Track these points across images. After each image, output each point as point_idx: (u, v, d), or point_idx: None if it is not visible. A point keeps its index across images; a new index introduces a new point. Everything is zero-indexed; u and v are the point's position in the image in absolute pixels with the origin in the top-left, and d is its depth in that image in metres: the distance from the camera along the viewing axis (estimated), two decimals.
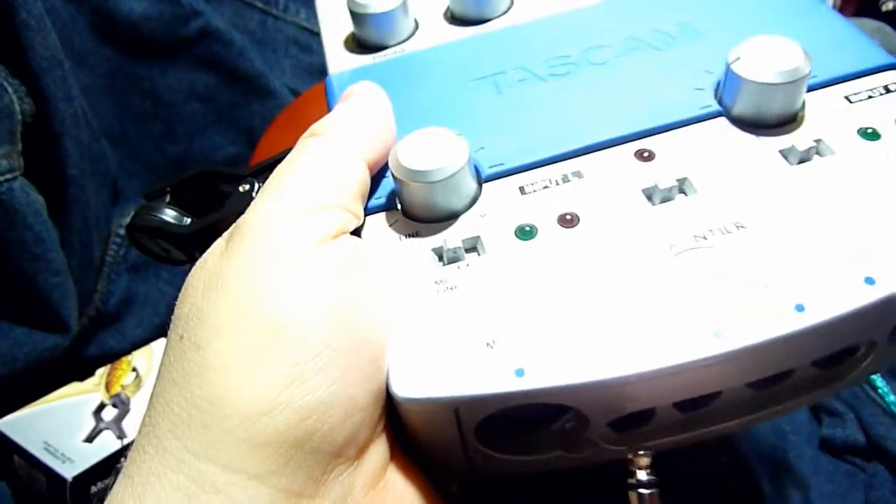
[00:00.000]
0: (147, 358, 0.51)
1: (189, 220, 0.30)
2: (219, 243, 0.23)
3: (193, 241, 0.29)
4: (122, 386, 0.48)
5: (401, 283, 0.23)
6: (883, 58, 0.27)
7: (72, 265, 0.49)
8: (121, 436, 0.45)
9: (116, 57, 0.57)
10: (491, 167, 0.26)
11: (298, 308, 0.21)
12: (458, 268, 0.23)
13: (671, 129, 0.26)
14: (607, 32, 0.30)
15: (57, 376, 0.49)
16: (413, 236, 0.24)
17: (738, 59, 0.25)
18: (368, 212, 0.25)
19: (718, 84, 0.27)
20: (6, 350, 0.47)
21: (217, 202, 0.30)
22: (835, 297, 0.20)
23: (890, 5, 0.55)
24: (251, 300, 0.21)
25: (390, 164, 0.24)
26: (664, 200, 0.24)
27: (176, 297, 0.58)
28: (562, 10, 0.32)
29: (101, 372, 0.49)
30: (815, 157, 0.24)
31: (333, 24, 0.34)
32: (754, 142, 0.25)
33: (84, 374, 0.49)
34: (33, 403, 0.47)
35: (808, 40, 0.26)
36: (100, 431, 0.46)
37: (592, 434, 0.23)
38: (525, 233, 0.24)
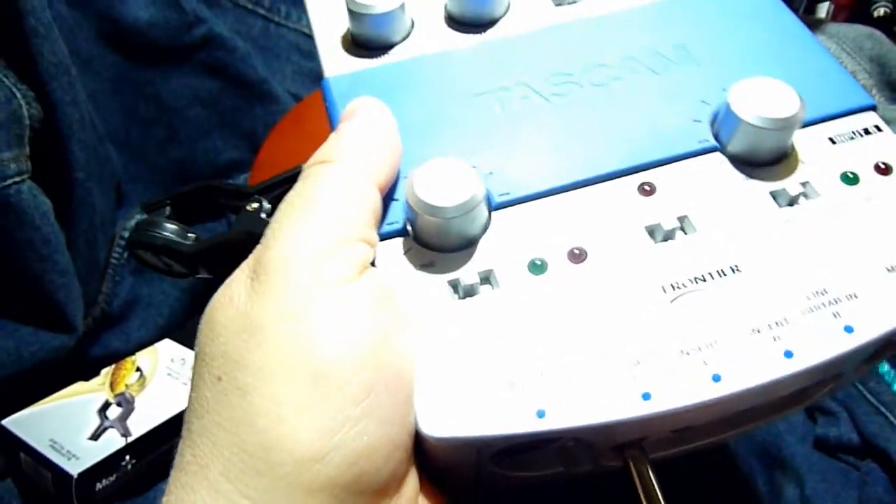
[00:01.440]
0: (151, 358, 0.52)
1: (192, 234, 0.29)
2: (241, 278, 0.23)
3: (199, 258, 0.29)
4: (127, 385, 0.49)
5: (419, 317, 0.24)
6: (864, 98, 0.28)
7: (78, 267, 0.50)
8: (125, 434, 0.46)
9: (122, 63, 0.58)
10: (500, 195, 0.27)
11: (339, 352, 0.21)
12: (475, 302, 0.24)
13: (671, 163, 0.27)
14: (606, 50, 0.30)
15: (62, 376, 0.49)
16: (428, 266, 0.25)
17: (737, 100, 0.26)
18: (380, 237, 0.26)
19: (714, 117, 0.28)
20: (13, 349, 0.48)
21: (217, 215, 0.30)
22: (819, 345, 0.23)
23: (881, 11, 0.56)
24: (293, 346, 0.21)
25: (407, 196, 0.25)
26: (666, 239, 0.25)
27: (178, 300, 0.58)
28: (560, 20, 0.32)
29: (106, 371, 0.50)
30: (802, 199, 0.26)
31: (326, 22, 0.33)
32: (748, 181, 0.27)
33: (89, 373, 0.50)
34: (40, 402, 0.48)
35: (796, 76, 0.27)
36: (105, 429, 0.46)
37: (593, 454, 0.25)
38: (536, 267, 0.25)
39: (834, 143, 0.27)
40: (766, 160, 0.27)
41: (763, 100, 0.26)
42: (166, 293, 0.57)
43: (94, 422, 0.47)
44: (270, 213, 0.26)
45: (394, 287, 0.24)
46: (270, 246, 0.23)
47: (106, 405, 0.48)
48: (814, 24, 0.57)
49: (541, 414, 0.22)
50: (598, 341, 0.23)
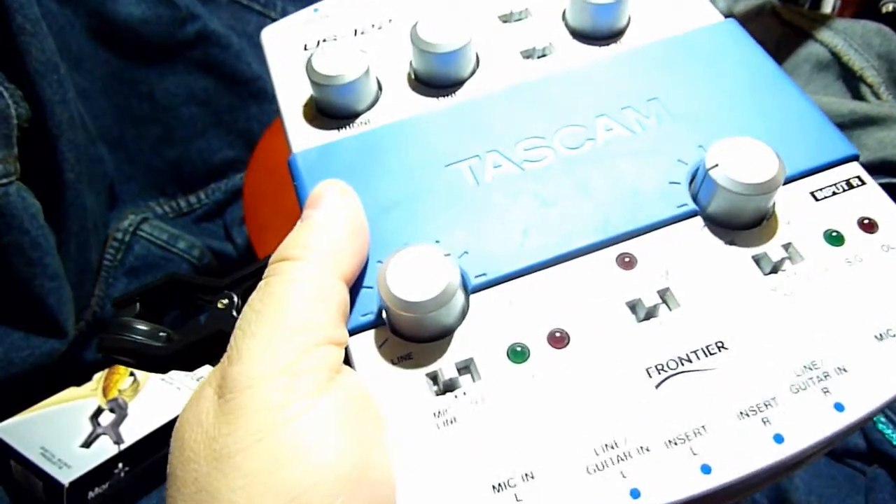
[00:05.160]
0: None
1: (163, 334, 0.29)
2: (208, 395, 0.22)
3: (171, 359, 0.29)
4: (120, 391, 0.48)
5: (399, 415, 0.23)
6: (846, 149, 0.27)
7: (69, 269, 0.49)
8: (118, 441, 0.45)
9: (114, 60, 0.57)
10: (477, 277, 0.25)
11: (314, 477, 0.20)
12: (456, 396, 0.23)
13: (650, 231, 0.26)
14: (578, 108, 0.29)
15: (54, 381, 0.49)
16: (405, 359, 0.24)
17: (716, 165, 0.25)
18: (353, 331, 0.24)
19: (692, 177, 0.27)
20: (3, 355, 0.47)
21: (188, 309, 0.29)
22: (810, 427, 0.22)
23: (890, 7, 0.55)
24: (264, 473, 0.20)
25: (380, 290, 0.23)
26: (648, 316, 0.24)
27: None
28: (529, 76, 0.30)
29: (99, 377, 0.49)
30: (787, 263, 0.25)
31: (291, 92, 0.32)
32: (729, 247, 0.25)
33: (81, 378, 0.49)
34: (30, 408, 0.47)
35: (774, 126, 0.27)
36: (97, 436, 0.46)
37: None
38: (517, 354, 0.24)
39: (817, 199, 0.26)
40: (746, 223, 0.26)
41: (741, 163, 0.25)
42: None
43: (87, 429, 0.46)
44: (241, 309, 0.25)
45: (370, 386, 0.23)
46: (235, 360, 0.22)
47: (98, 411, 0.47)
48: (820, 20, 0.56)
49: None
50: (584, 435, 0.22)
